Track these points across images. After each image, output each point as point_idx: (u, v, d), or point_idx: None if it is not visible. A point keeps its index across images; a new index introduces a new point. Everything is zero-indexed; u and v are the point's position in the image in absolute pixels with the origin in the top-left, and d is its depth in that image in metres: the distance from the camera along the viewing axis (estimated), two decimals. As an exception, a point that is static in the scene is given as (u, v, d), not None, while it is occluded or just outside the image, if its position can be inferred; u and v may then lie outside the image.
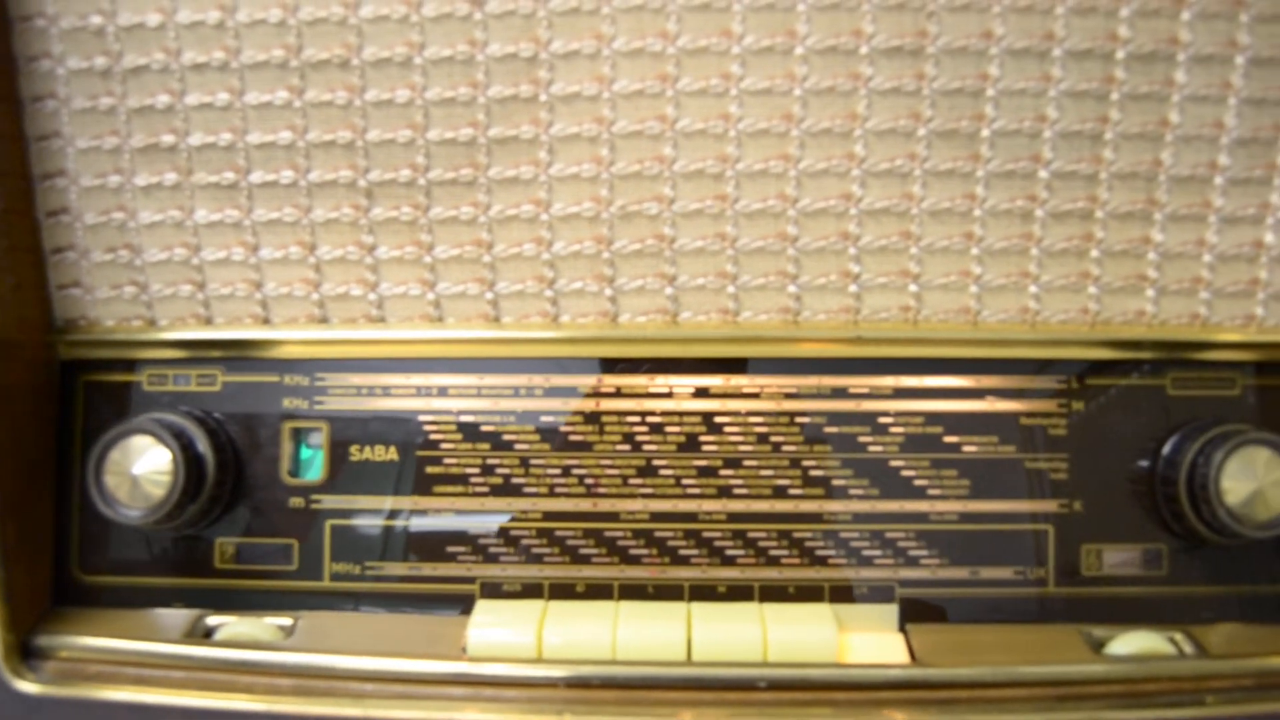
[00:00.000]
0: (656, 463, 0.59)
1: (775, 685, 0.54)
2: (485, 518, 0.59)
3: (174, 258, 0.59)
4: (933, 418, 0.59)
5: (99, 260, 0.59)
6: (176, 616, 0.59)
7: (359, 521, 0.60)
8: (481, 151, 0.56)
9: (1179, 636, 0.57)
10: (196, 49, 0.56)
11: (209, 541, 0.60)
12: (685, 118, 0.55)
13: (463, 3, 0.54)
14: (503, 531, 0.59)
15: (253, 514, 0.60)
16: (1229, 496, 0.55)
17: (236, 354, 0.60)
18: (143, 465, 0.56)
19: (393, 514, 0.59)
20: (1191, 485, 0.56)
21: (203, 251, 0.59)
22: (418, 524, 0.59)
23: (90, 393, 0.61)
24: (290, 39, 0.55)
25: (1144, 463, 0.59)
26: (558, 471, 0.59)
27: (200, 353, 0.60)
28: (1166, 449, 0.58)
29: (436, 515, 0.59)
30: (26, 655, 0.57)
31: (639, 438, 0.59)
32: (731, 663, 0.54)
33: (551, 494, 0.59)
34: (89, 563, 0.61)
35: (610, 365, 0.59)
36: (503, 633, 0.56)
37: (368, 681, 0.55)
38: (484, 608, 0.58)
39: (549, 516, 0.59)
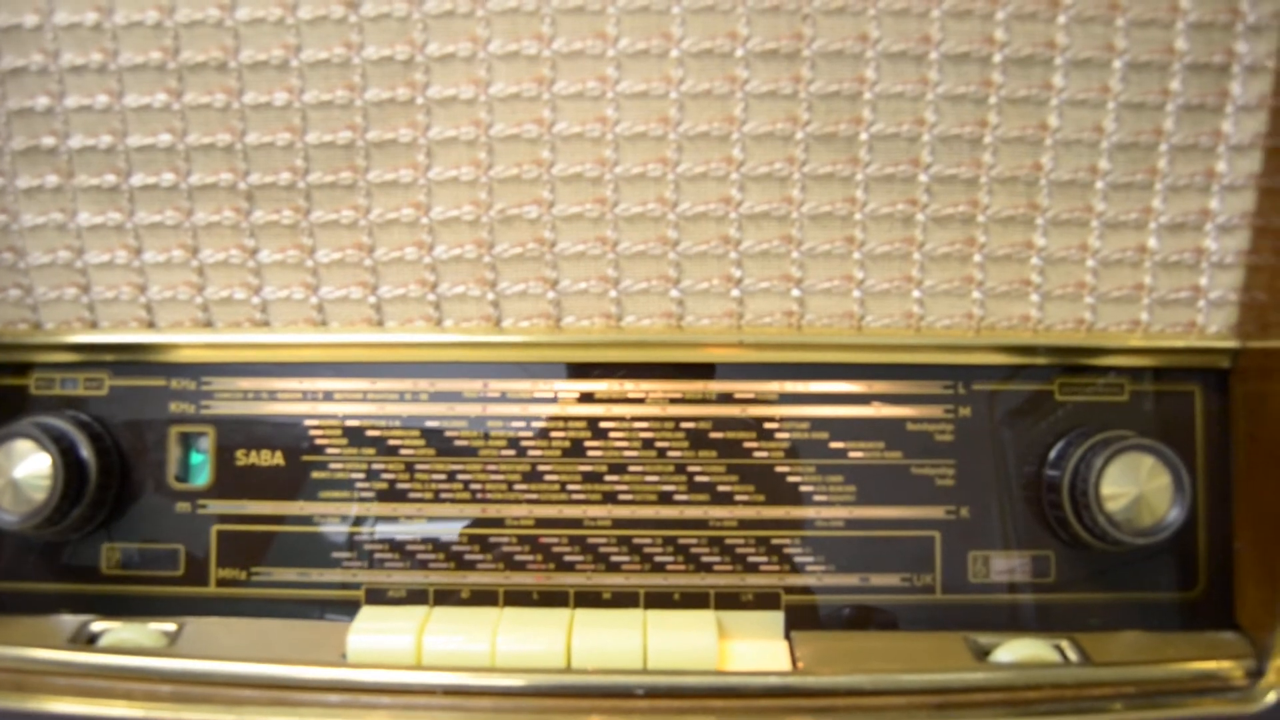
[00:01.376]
0: (541, 468, 0.59)
1: (653, 693, 0.53)
2: (370, 524, 0.59)
3: (58, 260, 0.59)
4: (819, 423, 0.59)
5: (-17, 264, 0.59)
6: (62, 623, 0.59)
7: (245, 527, 0.59)
8: (360, 154, 0.56)
9: (1065, 644, 0.57)
10: (74, 51, 0.55)
11: (95, 547, 0.60)
12: (562, 121, 0.55)
13: (338, 5, 0.54)
14: (388, 537, 0.59)
15: (139, 519, 0.60)
16: (1110, 503, 0.55)
17: (123, 358, 0.60)
18: (23, 469, 0.56)
19: (279, 519, 0.59)
20: (1074, 492, 0.56)
21: (86, 254, 0.58)
22: (303, 529, 0.59)
23: (-23, 396, 0.61)
24: (167, 41, 0.55)
25: (1031, 469, 0.58)
26: (443, 477, 0.59)
27: (88, 356, 0.60)
28: (1052, 455, 0.58)
29: (322, 521, 0.59)
30: (-94, 661, 0.57)
31: (524, 443, 0.59)
32: (610, 670, 0.54)
33: (437, 499, 0.59)
34: (-24, 568, 0.60)
35: (494, 370, 0.59)
36: (383, 638, 0.55)
37: (247, 688, 0.54)
38: (367, 614, 0.57)
39: (434, 521, 0.59)
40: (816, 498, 0.58)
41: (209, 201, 0.57)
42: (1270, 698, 0.53)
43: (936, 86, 0.54)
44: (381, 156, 0.56)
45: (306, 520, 0.59)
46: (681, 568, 0.58)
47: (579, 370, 0.59)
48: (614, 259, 0.57)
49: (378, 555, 0.59)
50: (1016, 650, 0.56)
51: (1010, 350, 0.58)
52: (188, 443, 0.60)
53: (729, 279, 0.57)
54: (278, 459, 0.59)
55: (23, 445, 0.57)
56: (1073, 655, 0.56)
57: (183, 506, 0.60)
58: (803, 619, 0.58)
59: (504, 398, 0.59)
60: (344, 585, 0.59)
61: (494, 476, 0.59)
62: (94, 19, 0.55)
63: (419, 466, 0.59)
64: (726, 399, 0.59)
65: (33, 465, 0.56)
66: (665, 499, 0.58)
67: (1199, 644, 0.57)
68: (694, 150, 0.55)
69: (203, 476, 0.60)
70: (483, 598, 0.59)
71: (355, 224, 0.57)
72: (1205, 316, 0.57)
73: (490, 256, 0.57)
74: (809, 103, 0.55)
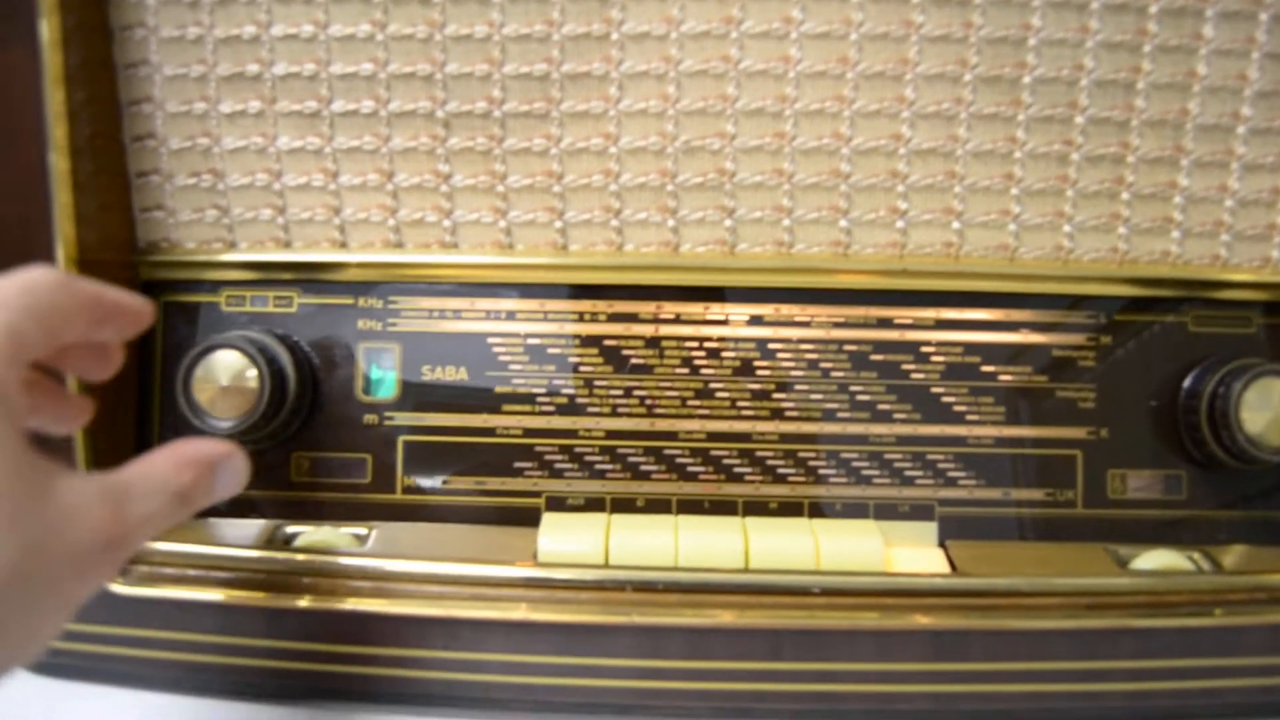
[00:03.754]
0: (713, 386, 0.63)
1: (828, 591, 0.58)
2: (550, 436, 0.62)
3: (255, 183, 0.62)
4: (971, 348, 0.63)
5: (182, 184, 0.62)
6: (254, 526, 0.62)
7: (430, 438, 0.63)
8: (555, 86, 0.60)
9: (1197, 555, 0.61)
10: (285, -18, 0.59)
11: (286, 455, 0.63)
12: (747, 59, 0.59)
13: (543, -56, 0.58)
14: (567, 448, 0.62)
15: (328, 430, 0.63)
16: (1248, 424, 0.60)
17: (313, 277, 0.63)
18: (230, 379, 0.59)
19: (462, 430, 0.63)
20: (1212, 414, 0.61)
21: (284, 177, 0.62)
22: (486, 440, 0.62)
23: (170, 312, 0.63)
24: (377, -25, 0.58)
25: (1167, 394, 0.63)
26: (620, 393, 0.63)
27: (278, 275, 0.63)
28: (1188, 381, 0.62)
29: (504, 433, 0.62)
30: (112, 559, 0.59)
31: (697, 362, 0.63)
32: (786, 570, 0.58)
33: (614, 414, 0.62)
34: (165, 476, 0.63)
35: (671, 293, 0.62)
36: (572, 541, 0.59)
37: (444, 584, 0.58)
38: (551, 520, 0.61)
39: (611, 435, 0.62)
40: (969, 417, 0.63)
41: (406, 128, 0.60)
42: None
43: (1096, 34, 0.59)
44: (574, 88, 0.60)
45: (489, 432, 0.63)
46: (843, 480, 0.62)
47: (750, 295, 0.63)
48: (789, 190, 0.61)
49: (558, 465, 0.62)
50: (1154, 560, 0.61)
51: (1149, 283, 0.62)
52: (374, 359, 0.63)
53: (895, 211, 0.61)
54: (461, 374, 0.63)
55: (228, 356, 0.59)
56: (1205, 565, 0.61)
57: (370, 418, 0.63)
58: (955, 529, 0.62)
59: (678, 319, 0.63)
60: (525, 494, 0.62)
61: (668, 393, 0.63)
62: (306, -48, 0.58)
63: (597, 383, 0.63)
64: (887, 324, 0.63)
65: (239, 375, 0.59)
66: (828, 416, 0.62)
67: (1319, 557, 0.62)
68: (869, 89, 0.59)
69: (389, 390, 0.63)
70: (656, 506, 0.62)
71: (546, 152, 0.61)
72: (1331, 255, 0.62)
73: (673, 185, 0.61)
74: (978, 46, 0.59)
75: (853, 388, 0.63)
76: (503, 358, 0.63)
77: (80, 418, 0.55)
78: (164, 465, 0.45)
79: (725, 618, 0.57)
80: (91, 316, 0.47)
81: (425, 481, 0.63)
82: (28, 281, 0.44)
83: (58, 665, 0.61)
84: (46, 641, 0.41)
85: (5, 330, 0.41)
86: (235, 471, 0.49)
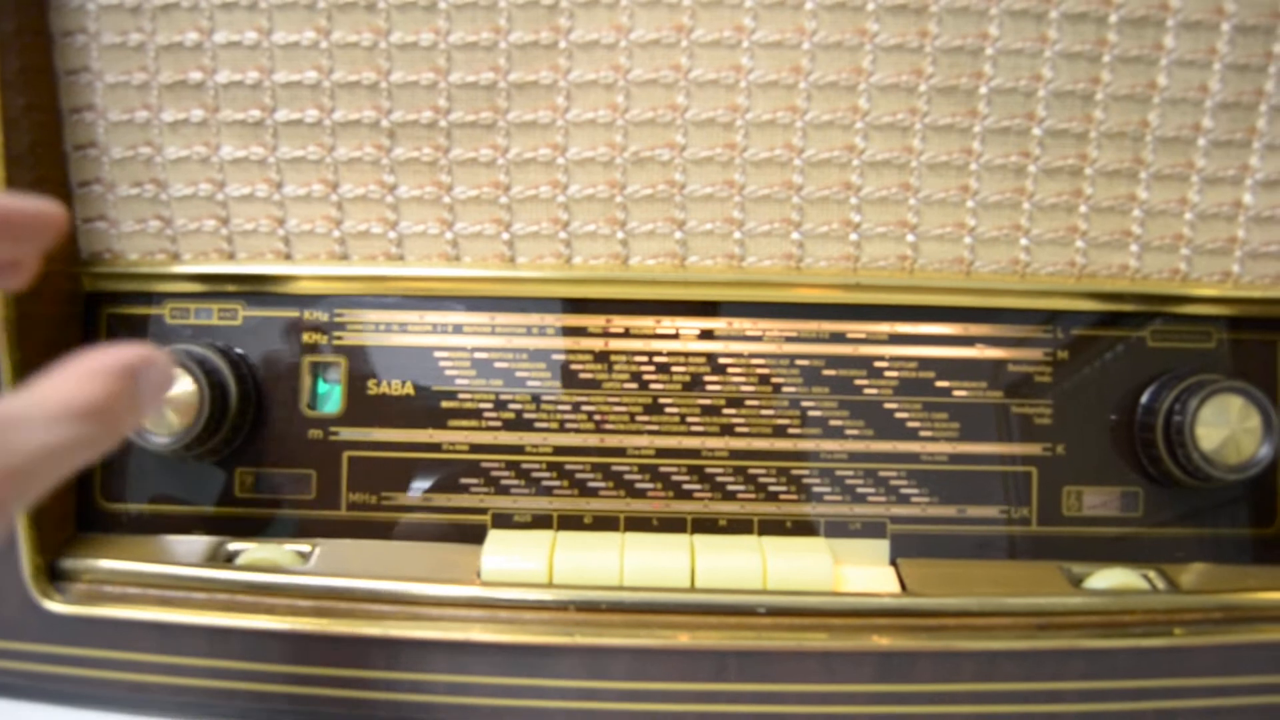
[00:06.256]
0: (662, 401, 0.62)
1: (774, 611, 0.57)
2: (497, 451, 0.62)
3: (199, 193, 0.61)
4: (925, 363, 0.62)
5: (125, 194, 0.61)
6: (197, 543, 0.61)
7: (375, 454, 0.62)
8: (501, 95, 0.58)
9: (1152, 574, 0.61)
10: (226, -11, 0.57)
11: (229, 471, 0.62)
12: (698, 68, 0.58)
13: (487, -49, 0.56)
14: (514, 464, 0.62)
15: (272, 445, 0.62)
16: (1204, 442, 0.59)
17: (258, 289, 0.62)
18: (170, 393, 0.58)
19: (408, 446, 0.62)
20: (1168, 431, 0.60)
21: (227, 187, 0.60)
22: (432, 456, 0.62)
23: (113, 324, 0.62)
24: (318, -18, 0.57)
25: (1124, 409, 0.62)
26: (568, 408, 0.62)
27: (222, 287, 0.62)
28: (1145, 397, 0.61)
29: (451, 448, 0.62)
30: (54, 577, 0.59)
31: (646, 376, 0.62)
32: (733, 590, 0.57)
33: (561, 429, 0.62)
34: (111, 490, 0.62)
35: (620, 306, 0.62)
36: (516, 559, 0.58)
37: (387, 603, 0.57)
38: (496, 537, 0.60)
39: (559, 451, 0.62)
40: (922, 433, 0.62)
41: (351, 138, 0.59)
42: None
43: (1054, 44, 0.57)
44: (521, 97, 0.58)
45: (435, 448, 0.62)
46: (793, 497, 0.62)
47: (701, 308, 0.62)
48: (740, 201, 0.60)
49: (504, 481, 0.62)
50: (1108, 578, 0.60)
51: (1108, 297, 0.61)
52: (319, 372, 0.62)
53: (848, 223, 0.60)
54: (408, 389, 0.62)
55: (168, 369, 0.59)
56: (1160, 584, 0.60)
57: (315, 433, 0.62)
58: (907, 547, 0.61)
59: (627, 333, 0.62)
60: (471, 510, 0.62)
61: (616, 408, 0.62)
62: (246, -43, 0.57)
63: (544, 397, 0.62)
64: (840, 338, 0.62)
65: (178, 390, 0.58)
66: (780, 432, 0.62)
67: (1275, 576, 0.61)
68: (822, 99, 0.58)
69: (334, 404, 0.62)
70: (604, 523, 0.61)
71: (493, 162, 0.59)
72: (1292, 269, 0.61)
73: (622, 197, 0.60)
74: (933, 56, 0.58)
75: (804, 403, 0.62)
76: (449, 372, 0.62)
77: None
78: (63, 383, 0.37)
79: (669, 638, 0.56)
80: None
81: (370, 497, 0.62)
82: None
83: (-5, 683, 0.60)
84: None
85: None
86: (159, 375, 0.40)
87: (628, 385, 0.62)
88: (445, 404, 0.62)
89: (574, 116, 0.59)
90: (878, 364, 0.62)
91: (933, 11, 0.57)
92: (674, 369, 0.62)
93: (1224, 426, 0.59)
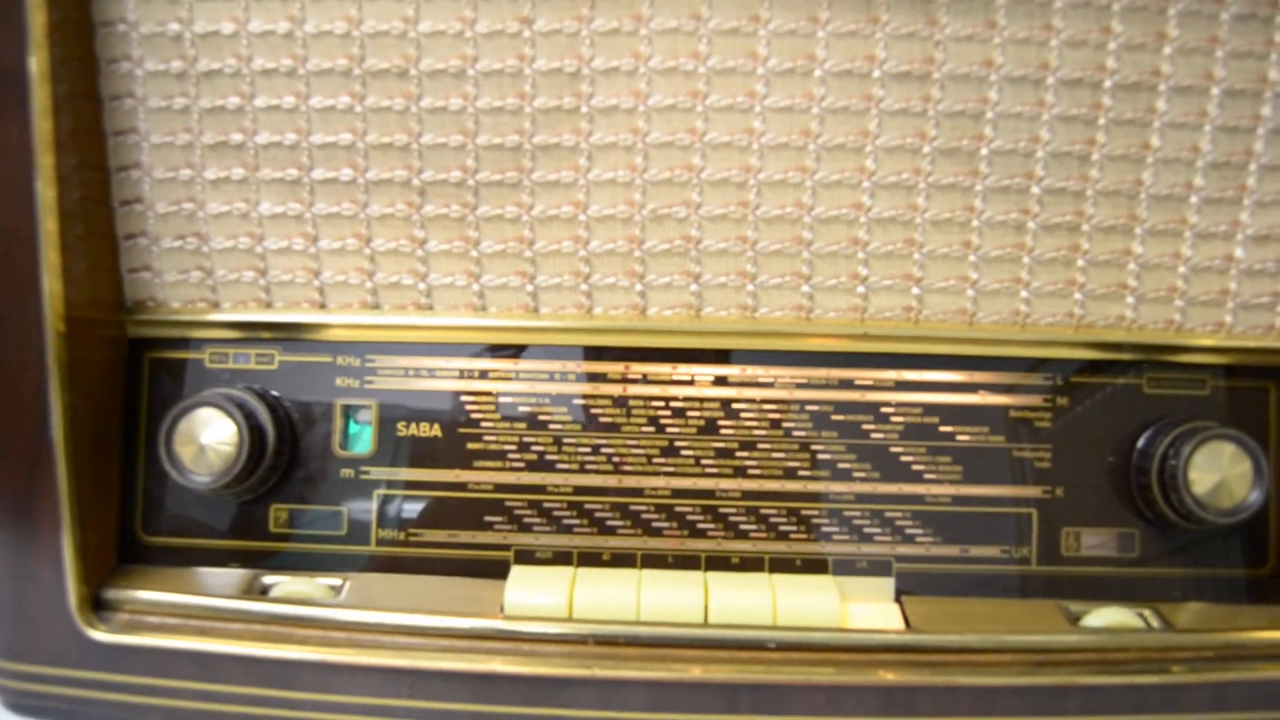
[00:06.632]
0: (678, 444, 0.65)
1: (784, 646, 0.60)
2: (520, 491, 0.65)
3: (238, 246, 0.64)
4: (930, 409, 0.65)
5: (168, 246, 0.64)
6: (233, 575, 0.64)
7: (404, 492, 0.65)
8: (526, 156, 0.62)
9: (1148, 612, 0.63)
10: (266, 56, 0.61)
11: (265, 507, 0.65)
12: (713, 131, 0.61)
13: (514, 21, 0.60)
14: (536, 504, 0.65)
15: (306, 483, 0.65)
16: (1196, 486, 0.61)
17: (293, 336, 0.65)
18: (210, 435, 0.62)
19: (435, 485, 0.65)
20: (1163, 475, 0.62)
21: (266, 241, 0.64)
22: (458, 495, 0.65)
23: (155, 369, 0.66)
24: (354, 49, 0.60)
25: (1121, 454, 0.65)
26: (588, 450, 0.65)
27: (259, 334, 0.65)
28: (1141, 442, 0.64)
29: (476, 487, 0.65)
30: (97, 607, 0.62)
31: (662, 421, 0.65)
32: (744, 625, 0.60)
33: (582, 470, 0.65)
34: (151, 525, 0.66)
35: (639, 354, 0.65)
36: (537, 594, 0.61)
37: (414, 636, 0.60)
38: (519, 573, 0.63)
39: (579, 491, 0.65)
40: (927, 476, 0.64)
41: (384, 195, 0.63)
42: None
43: (1052, 108, 0.60)
44: (545, 159, 0.62)
45: (461, 487, 0.65)
46: (803, 537, 0.64)
47: (715, 356, 0.65)
48: (752, 256, 0.63)
49: (526, 519, 0.65)
50: (1105, 617, 0.63)
51: (1105, 347, 0.64)
52: (351, 414, 0.65)
53: (856, 277, 0.63)
54: (435, 431, 0.65)
55: (209, 413, 0.62)
56: (1155, 623, 0.63)
57: (346, 473, 0.65)
58: (912, 584, 0.64)
59: (645, 379, 0.65)
60: (495, 547, 0.65)
61: (634, 450, 0.65)
62: (286, 27, 0.60)
63: (566, 440, 0.65)
64: (848, 385, 0.65)
65: (219, 432, 0.62)
66: (790, 474, 0.64)
67: (1269, 615, 0.63)
68: (830, 160, 0.61)
69: (365, 445, 0.65)
70: (621, 560, 0.64)
71: (518, 219, 0.63)
72: (1282, 320, 0.63)
73: (640, 251, 0.63)
74: (936, 120, 0.61)
75: (814, 447, 0.65)
76: (475, 415, 0.65)
77: None
78: None
79: (684, 671, 0.59)
80: None
81: (399, 534, 0.65)
82: None
83: (36, 707, 0.63)
84: None
85: None
86: None
87: (645, 429, 0.65)
88: (471, 445, 0.65)
89: (595, 176, 0.62)
90: (884, 409, 0.65)
91: (936, 78, 0.60)
92: (689, 414, 0.65)
93: (1216, 472, 0.61)
